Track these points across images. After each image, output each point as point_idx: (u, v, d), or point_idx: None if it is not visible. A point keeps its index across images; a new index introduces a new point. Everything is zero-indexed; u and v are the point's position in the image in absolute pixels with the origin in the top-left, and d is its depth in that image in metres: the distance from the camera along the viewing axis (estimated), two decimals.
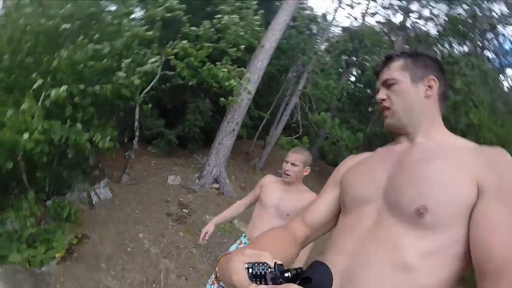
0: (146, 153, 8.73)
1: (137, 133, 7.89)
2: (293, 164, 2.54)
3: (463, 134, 7.09)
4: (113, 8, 5.72)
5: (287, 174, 2.54)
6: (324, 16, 11.88)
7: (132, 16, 5.69)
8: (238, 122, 8.68)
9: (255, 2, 7.21)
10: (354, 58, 11.43)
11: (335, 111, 12.16)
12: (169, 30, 6.96)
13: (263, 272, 0.68)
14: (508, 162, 0.86)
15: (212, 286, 2.61)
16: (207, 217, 6.70)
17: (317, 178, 9.68)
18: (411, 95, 1.03)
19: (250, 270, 0.69)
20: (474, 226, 0.80)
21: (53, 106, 4.11)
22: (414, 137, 1.04)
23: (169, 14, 6.26)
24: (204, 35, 6.70)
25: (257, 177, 9.37)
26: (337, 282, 0.89)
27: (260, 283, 0.67)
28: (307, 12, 11.55)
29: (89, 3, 4.87)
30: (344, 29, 11.21)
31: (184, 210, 6.69)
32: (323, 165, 12.57)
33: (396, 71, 1.06)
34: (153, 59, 6.33)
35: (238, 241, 2.78)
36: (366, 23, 11.08)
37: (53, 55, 4.30)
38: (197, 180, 8.24)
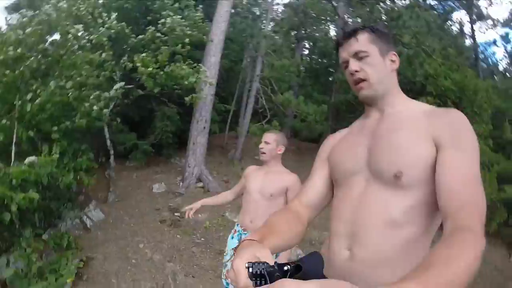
0: (126, 168, 8.78)
1: (111, 151, 7.94)
2: (266, 143, 2.78)
3: (423, 86, 7.48)
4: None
5: (262, 153, 2.79)
6: None
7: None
8: (207, 119, 8.85)
9: (191, 0, 7.32)
10: (303, 32, 11.73)
11: (297, 88, 12.45)
12: (117, 46, 7.01)
13: (263, 272, 0.71)
14: (456, 117, 1.03)
15: (226, 280, 2.83)
16: (199, 215, 6.91)
17: (295, 157, 10.03)
18: (382, 68, 1.14)
19: (250, 270, 0.72)
20: (436, 173, 0.97)
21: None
22: (383, 108, 1.18)
23: (113, 31, 6.30)
24: (152, 40, 6.78)
25: (237, 168, 9.62)
26: (345, 244, 1.11)
27: (260, 283, 0.71)
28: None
29: (35, 40, 4.88)
30: (286, 5, 11.48)
31: (175, 214, 6.88)
32: (298, 143, 12.92)
33: (366, 43, 1.13)
34: (117, 85, 6.43)
35: (232, 231, 2.97)
36: None
37: (17, 100, 4.40)
38: (181, 183, 8.41)
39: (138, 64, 6.52)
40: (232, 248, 2.86)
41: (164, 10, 7.02)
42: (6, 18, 5.13)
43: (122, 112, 8.40)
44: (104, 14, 6.10)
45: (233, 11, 11.04)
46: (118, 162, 8.43)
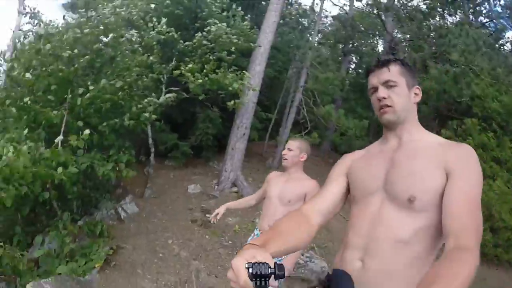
0: (164, 166, 9.11)
1: (152, 150, 8.29)
2: (289, 149, 2.81)
3: (469, 107, 7.09)
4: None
5: (284, 159, 2.83)
6: (312, 8, 12.06)
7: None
8: (247, 126, 8.96)
9: (240, 10, 7.52)
10: (350, 46, 11.57)
11: (341, 102, 12.28)
12: (165, 50, 7.36)
13: (263, 272, 0.73)
14: (467, 151, 1.17)
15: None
16: (229, 219, 6.99)
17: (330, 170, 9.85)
18: (407, 99, 1.27)
19: (250, 270, 0.74)
20: (444, 198, 1.10)
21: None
22: (402, 134, 1.29)
23: (162, 36, 6.63)
24: (199, 47, 7.03)
25: None
26: (358, 255, 1.22)
27: (260, 283, 0.72)
28: (296, 7, 11.78)
29: (90, 40, 5.26)
30: (335, 17, 11.39)
31: (207, 215, 6.99)
32: (337, 157, 12.64)
33: (397, 75, 1.27)
34: (169, 94, 6.78)
35: (252, 234, 3.07)
36: (354, 7, 11.19)
37: (69, 93, 4.77)
38: (216, 186, 8.56)
39: (186, 74, 6.78)
40: None
41: (211, 17, 7.28)
42: (64, 16, 5.55)
43: (166, 113, 8.76)
44: (155, 19, 6.44)
45: (281, 21, 11.19)
46: (158, 161, 8.77)
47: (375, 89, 1.30)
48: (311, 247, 5.75)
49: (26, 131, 3.88)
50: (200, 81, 6.72)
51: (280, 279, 0.78)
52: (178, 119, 9.50)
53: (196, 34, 7.09)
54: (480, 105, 6.84)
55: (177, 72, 7.02)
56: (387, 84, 1.26)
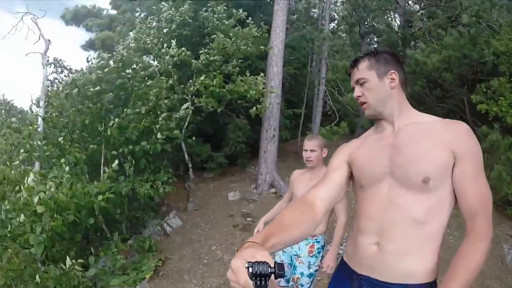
0: (203, 179, 9.56)
1: (189, 165, 8.77)
2: (312, 151, 2.81)
3: (496, 66, 6.75)
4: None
5: (309, 160, 2.82)
6: None
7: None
8: (275, 127, 9.16)
9: (244, 13, 7.74)
10: (366, 27, 11.36)
11: None
12: (184, 70, 7.80)
13: (263, 272, 0.74)
14: (466, 131, 1.25)
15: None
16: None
17: None
18: (380, 89, 1.33)
19: (250, 270, 0.75)
20: (458, 183, 1.21)
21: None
22: (392, 120, 1.35)
23: (176, 58, 7.06)
24: (208, 62, 7.38)
25: None
26: (373, 240, 1.30)
27: (260, 282, 0.73)
28: (302, 2, 11.81)
29: (114, 77, 5.80)
30: (345, 1, 11.22)
31: (248, 219, 7.30)
32: None
33: (365, 70, 1.34)
34: (185, 106, 7.19)
35: None
36: None
37: (100, 126, 5.32)
38: (254, 190, 8.84)
39: (201, 88, 7.13)
40: None
41: (217, 31, 7.62)
42: (87, 58, 6.17)
43: (197, 127, 9.23)
44: (165, 45, 6.90)
45: (293, 16, 11.25)
46: (196, 174, 9.24)
47: (353, 89, 1.40)
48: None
49: (67, 168, 4.42)
50: (217, 91, 7.03)
51: (280, 278, 0.82)
52: (210, 131, 9.95)
53: (200, 51, 7.46)
54: (506, 62, 6.49)
55: (192, 89, 7.40)
56: (359, 83, 1.35)
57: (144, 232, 5.97)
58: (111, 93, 5.47)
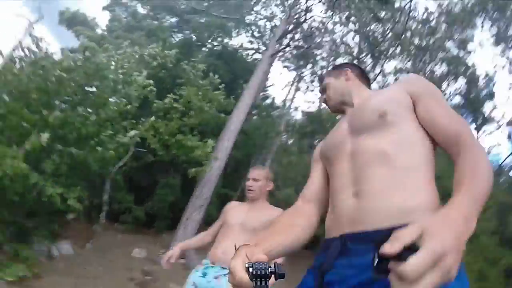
0: (113, 227, 8.64)
1: (104, 207, 7.96)
2: (254, 180, 2.56)
3: None
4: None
5: (251, 190, 2.56)
6: (284, 102, 13.22)
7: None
8: (207, 197, 8.90)
9: (218, 79, 8.22)
10: (316, 141, 12.31)
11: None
12: (143, 107, 7.73)
13: (263, 272, 0.73)
14: (416, 76, 1.34)
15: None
16: (170, 286, 6.52)
17: None
18: (336, 85, 1.48)
19: (250, 270, 0.74)
20: (426, 117, 1.17)
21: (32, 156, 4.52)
22: (353, 101, 1.42)
23: (144, 91, 7.07)
24: (170, 108, 7.44)
25: None
26: (350, 193, 1.18)
27: (260, 283, 0.72)
28: (268, 101, 12.90)
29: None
30: (304, 113, 12.39)
31: (147, 276, 6.53)
32: None
33: (326, 79, 1.53)
34: (132, 132, 6.91)
35: (197, 266, 2.62)
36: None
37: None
38: (163, 255, 8.07)
39: (146, 133, 6.97)
40: (193, 281, 2.48)
41: (189, 84, 7.89)
42: (61, 48, 5.99)
43: (129, 174, 8.71)
44: (136, 73, 6.96)
45: (254, 111, 11.94)
46: (107, 220, 8.37)
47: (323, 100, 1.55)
48: None
49: None
50: (167, 138, 6.92)
51: (280, 279, 0.78)
52: (141, 183, 9.41)
53: (168, 95, 7.56)
54: None
55: (136, 132, 7.16)
56: (324, 91, 1.51)
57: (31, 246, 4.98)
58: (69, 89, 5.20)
